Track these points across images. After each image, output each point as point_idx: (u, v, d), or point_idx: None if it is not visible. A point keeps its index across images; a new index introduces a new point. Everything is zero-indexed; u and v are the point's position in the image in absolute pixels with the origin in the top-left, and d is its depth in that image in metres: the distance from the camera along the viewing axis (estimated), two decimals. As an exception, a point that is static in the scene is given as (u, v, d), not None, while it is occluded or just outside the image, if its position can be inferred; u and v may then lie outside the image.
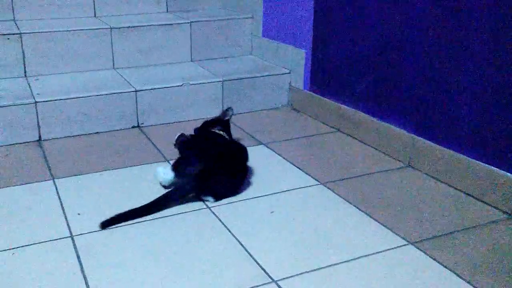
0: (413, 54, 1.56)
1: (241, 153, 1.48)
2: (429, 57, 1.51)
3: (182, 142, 1.59)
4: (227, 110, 1.67)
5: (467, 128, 1.43)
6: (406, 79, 1.61)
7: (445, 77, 1.47)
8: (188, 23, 2.22)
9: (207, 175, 1.35)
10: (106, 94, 1.85)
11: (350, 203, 1.38)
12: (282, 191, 1.44)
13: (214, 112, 2.03)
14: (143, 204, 1.31)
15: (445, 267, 1.12)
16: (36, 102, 1.76)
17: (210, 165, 1.37)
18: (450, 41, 1.44)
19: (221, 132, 1.57)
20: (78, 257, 1.14)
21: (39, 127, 1.78)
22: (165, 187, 1.42)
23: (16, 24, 2.10)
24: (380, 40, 1.68)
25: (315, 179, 1.51)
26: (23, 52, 1.98)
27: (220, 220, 1.29)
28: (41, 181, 1.49)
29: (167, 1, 2.43)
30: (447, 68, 1.46)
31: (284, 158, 1.67)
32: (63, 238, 1.21)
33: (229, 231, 1.25)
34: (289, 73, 2.13)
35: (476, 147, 1.41)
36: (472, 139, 1.42)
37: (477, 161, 1.40)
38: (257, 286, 1.05)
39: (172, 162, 1.48)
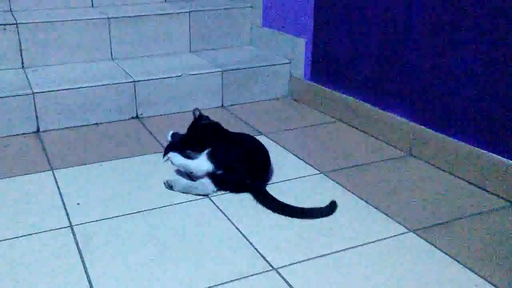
0: (415, 43, 1.55)
1: (264, 149, 1.46)
2: (431, 45, 1.50)
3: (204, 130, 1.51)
4: (194, 111, 1.59)
5: (468, 116, 1.42)
6: (407, 67, 1.59)
7: (446, 65, 1.46)
8: (187, 12, 2.20)
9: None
10: (105, 85, 1.84)
11: (351, 192, 1.37)
12: (283, 181, 1.44)
13: (213, 102, 2.02)
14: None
15: (446, 254, 1.11)
16: (34, 93, 1.75)
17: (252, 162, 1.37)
18: (452, 28, 1.42)
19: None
20: (78, 246, 1.14)
21: (37, 118, 1.77)
22: (191, 176, 1.37)
23: (12, 15, 2.08)
24: (381, 29, 1.67)
25: (316, 169, 1.51)
26: (20, 42, 1.96)
27: (220, 210, 1.29)
28: (40, 172, 1.48)
29: (165, -10, 2.42)
30: (448, 56, 1.45)
31: (284, 148, 1.66)
32: (62, 228, 1.21)
33: (229, 220, 1.24)
34: (289, 62, 2.11)
35: (478, 134, 1.40)
36: (474, 127, 1.41)
37: (479, 149, 1.40)
38: (258, 273, 1.05)
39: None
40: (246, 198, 1.34)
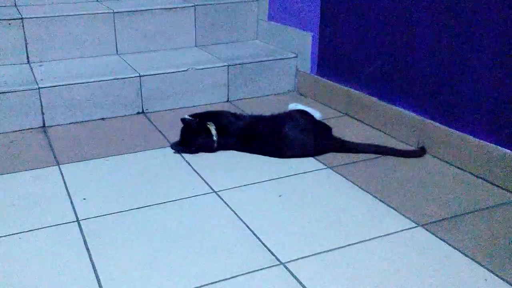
0: (423, 35, 1.53)
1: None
2: (440, 37, 1.48)
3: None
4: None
5: (477, 109, 1.41)
6: (416, 61, 1.58)
7: (457, 59, 1.44)
8: (192, 6, 2.19)
9: None
10: (110, 80, 1.84)
11: (359, 186, 1.36)
12: (290, 175, 1.43)
13: (219, 97, 2.01)
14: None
15: (455, 248, 1.10)
16: (39, 88, 1.75)
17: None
18: (462, 20, 1.41)
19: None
20: (85, 241, 1.14)
21: (43, 113, 1.77)
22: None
23: (17, 9, 2.08)
24: (389, 21, 1.65)
25: (323, 163, 1.50)
26: (25, 37, 1.96)
27: (227, 204, 1.28)
28: (46, 167, 1.48)
29: (170, -15, 2.40)
30: (459, 49, 1.43)
31: (290, 142, 1.65)
32: (69, 222, 1.21)
33: (236, 214, 1.24)
34: (296, 57, 2.10)
35: (486, 128, 1.39)
36: (482, 120, 1.39)
37: (487, 143, 1.38)
38: (265, 268, 1.04)
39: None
40: (253, 193, 1.34)
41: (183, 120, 1.55)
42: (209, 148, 1.55)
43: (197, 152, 1.55)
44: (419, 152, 1.52)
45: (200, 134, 1.53)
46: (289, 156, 1.52)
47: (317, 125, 1.58)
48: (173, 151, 1.57)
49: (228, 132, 1.56)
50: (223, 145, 1.55)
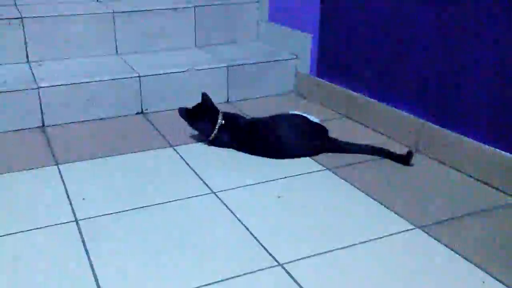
0: (423, 36, 1.54)
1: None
2: (439, 38, 1.48)
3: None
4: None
5: (475, 112, 1.41)
6: (416, 63, 1.58)
7: (455, 60, 1.45)
8: (192, 7, 2.19)
9: None
10: (110, 80, 1.84)
11: (357, 188, 1.36)
12: (289, 176, 1.43)
13: (219, 98, 2.01)
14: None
15: (453, 250, 1.10)
16: (39, 87, 1.75)
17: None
18: (462, 22, 1.41)
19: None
20: (83, 241, 1.14)
21: (42, 113, 1.77)
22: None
23: (17, 9, 2.08)
24: (388, 23, 1.65)
25: (322, 165, 1.50)
26: (25, 37, 1.96)
27: (226, 205, 1.28)
28: (45, 167, 1.48)
29: (170, -15, 2.40)
30: (458, 50, 1.43)
31: (289, 143, 1.65)
32: (68, 222, 1.21)
33: (235, 215, 1.24)
34: (296, 58, 2.10)
35: (485, 131, 1.39)
36: (481, 123, 1.40)
37: (486, 145, 1.38)
38: (263, 269, 1.04)
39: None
40: (252, 194, 1.34)
41: (204, 94, 1.61)
42: (207, 135, 1.59)
43: (194, 128, 1.62)
44: (408, 157, 1.49)
45: (208, 117, 1.58)
46: (285, 157, 1.52)
47: (312, 125, 1.58)
48: (178, 112, 1.61)
49: (230, 130, 1.57)
50: (220, 141, 1.58)
